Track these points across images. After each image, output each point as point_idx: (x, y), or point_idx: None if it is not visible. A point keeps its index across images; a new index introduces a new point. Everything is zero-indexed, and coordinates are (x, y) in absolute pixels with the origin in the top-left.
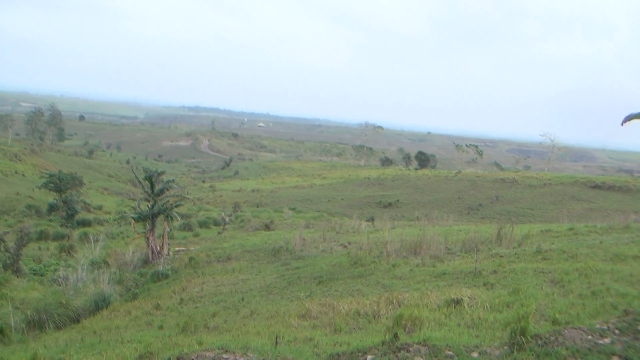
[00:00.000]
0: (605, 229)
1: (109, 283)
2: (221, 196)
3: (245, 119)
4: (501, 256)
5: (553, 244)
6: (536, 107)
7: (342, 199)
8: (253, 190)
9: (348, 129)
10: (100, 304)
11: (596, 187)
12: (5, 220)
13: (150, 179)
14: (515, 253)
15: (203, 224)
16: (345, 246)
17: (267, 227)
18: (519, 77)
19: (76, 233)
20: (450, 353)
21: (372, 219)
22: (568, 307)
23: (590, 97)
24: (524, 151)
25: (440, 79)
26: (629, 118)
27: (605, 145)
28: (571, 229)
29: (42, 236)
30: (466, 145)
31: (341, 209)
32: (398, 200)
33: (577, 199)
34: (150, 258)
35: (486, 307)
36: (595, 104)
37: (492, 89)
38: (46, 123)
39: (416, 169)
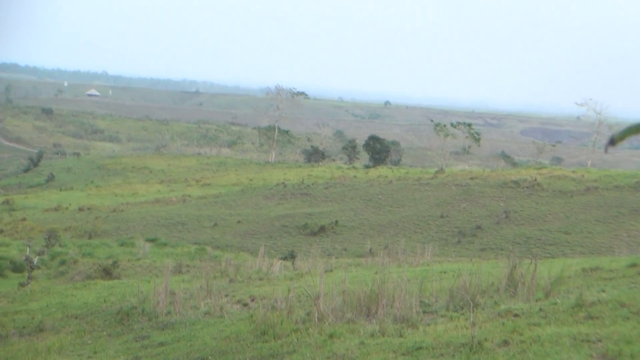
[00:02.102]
0: None
1: None
2: (24, 219)
3: (66, 83)
4: (516, 315)
5: (604, 291)
6: (570, 60)
7: (238, 221)
8: (81, 209)
9: (247, 99)
10: None
11: None
12: None
13: None
14: (541, 309)
15: None
16: (246, 304)
17: (107, 274)
18: (539, 9)
19: None
20: None
21: (292, 256)
22: None
23: None
24: (550, 132)
25: (405, 13)
26: (621, 136)
27: None
28: (634, 265)
29: None
30: (452, 124)
31: (238, 239)
32: (336, 221)
33: None
34: None
35: None
36: None
37: (493, 33)
38: None
39: (367, 166)
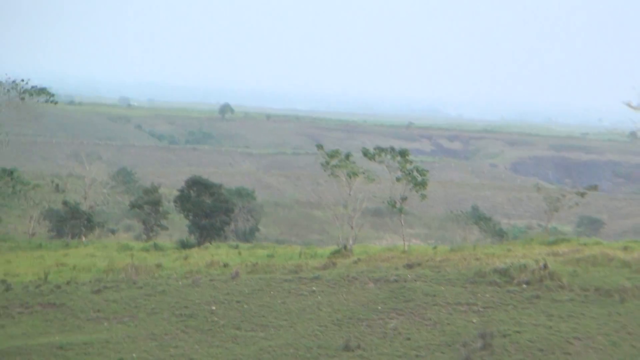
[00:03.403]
0: None
1: None
2: None
3: None
4: None
5: None
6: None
7: None
8: None
9: None
10: None
11: None
12: None
13: None
14: None
15: None
16: None
17: None
18: None
19: None
20: None
21: None
22: None
23: None
24: (575, 166)
25: None
26: None
27: None
28: None
29: None
30: (365, 151)
31: None
32: None
33: None
34: None
35: None
36: None
37: None
38: None
39: (185, 244)
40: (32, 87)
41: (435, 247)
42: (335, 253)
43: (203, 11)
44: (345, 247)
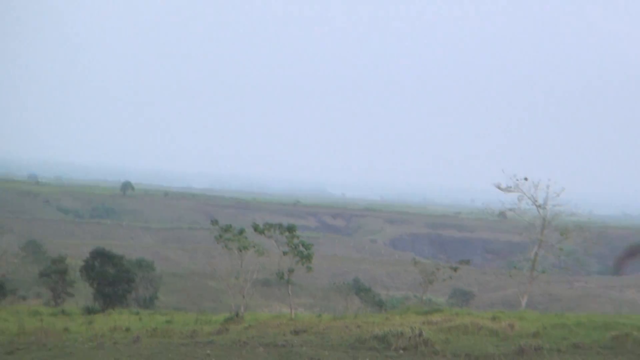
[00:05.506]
0: None
1: None
2: None
3: None
4: None
5: None
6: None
7: None
8: None
9: None
10: None
11: None
12: None
13: None
14: None
15: None
16: None
17: None
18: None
19: None
20: None
21: None
22: None
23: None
24: (449, 242)
25: None
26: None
27: None
28: None
29: None
30: (256, 226)
31: None
32: None
33: None
34: None
35: None
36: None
37: None
38: None
39: (90, 310)
40: None
41: (319, 315)
42: (228, 320)
43: (112, 90)
44: (237, 315)
